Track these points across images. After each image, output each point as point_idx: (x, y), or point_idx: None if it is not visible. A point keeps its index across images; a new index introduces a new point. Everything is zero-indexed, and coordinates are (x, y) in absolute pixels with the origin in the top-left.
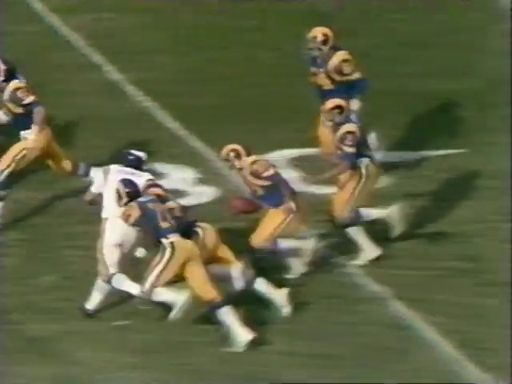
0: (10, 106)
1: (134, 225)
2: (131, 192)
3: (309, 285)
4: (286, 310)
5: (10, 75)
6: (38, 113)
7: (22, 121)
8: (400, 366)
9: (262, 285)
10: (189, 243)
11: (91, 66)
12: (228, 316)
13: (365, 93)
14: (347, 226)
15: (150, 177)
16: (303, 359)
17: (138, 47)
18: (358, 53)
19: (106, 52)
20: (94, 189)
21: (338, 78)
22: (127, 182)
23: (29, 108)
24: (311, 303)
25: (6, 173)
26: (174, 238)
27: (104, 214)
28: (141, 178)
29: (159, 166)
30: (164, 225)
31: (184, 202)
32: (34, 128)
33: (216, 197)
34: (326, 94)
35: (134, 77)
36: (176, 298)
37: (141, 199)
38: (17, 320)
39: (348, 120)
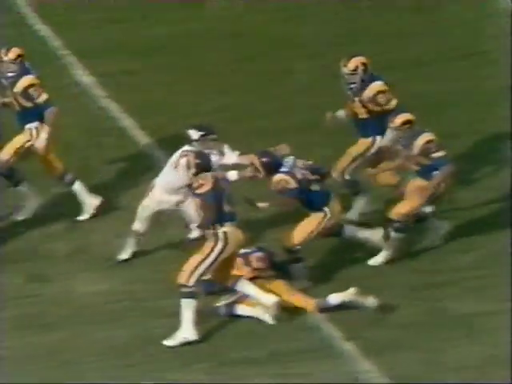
0: (20, 99)
1: (202, 196)
2: (201, 164)
3: None
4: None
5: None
6: (51, 113)
7: (30, 114)
8: None
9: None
10: (240, 234)
11: None
12: None
13: None
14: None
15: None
16: None
17: None
18: None
19: None
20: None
21: (372, 107)
22: (200, 154)
23: (38, 104)
24: None
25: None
26: (229, 227)
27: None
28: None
29: None
30: (227, 208)
31: None
32: (45, 128)
33: None
34: (361, 123)
35: None
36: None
37: (215, 173)
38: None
39: (419, 132)
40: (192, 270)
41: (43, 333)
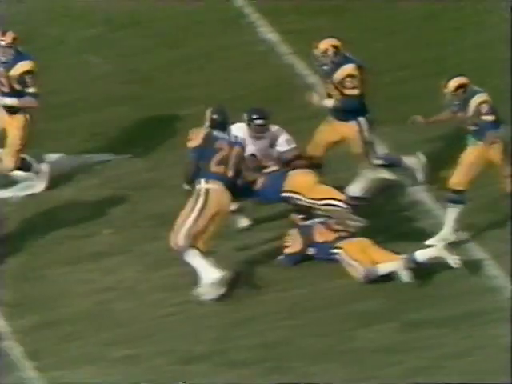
0: (14, 82)
1: (190, 151)
2: (215, 120)
3: None
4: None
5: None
6: (29, 102)
7: (12, 94)
8: None
9: None
10: (225, 196)
11: None
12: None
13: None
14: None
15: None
16: None
17: None
18: None
19: None
20: None
21: (343, 91)
22: (218, 111)
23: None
24: None
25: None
26: (214, 185)
27: None
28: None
29: None
30: (214, 168)
31: None
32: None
33: None
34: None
35: None
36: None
37: (219, 134)
38: None
39: (474, 92)
40: (178, 229)
41: None
